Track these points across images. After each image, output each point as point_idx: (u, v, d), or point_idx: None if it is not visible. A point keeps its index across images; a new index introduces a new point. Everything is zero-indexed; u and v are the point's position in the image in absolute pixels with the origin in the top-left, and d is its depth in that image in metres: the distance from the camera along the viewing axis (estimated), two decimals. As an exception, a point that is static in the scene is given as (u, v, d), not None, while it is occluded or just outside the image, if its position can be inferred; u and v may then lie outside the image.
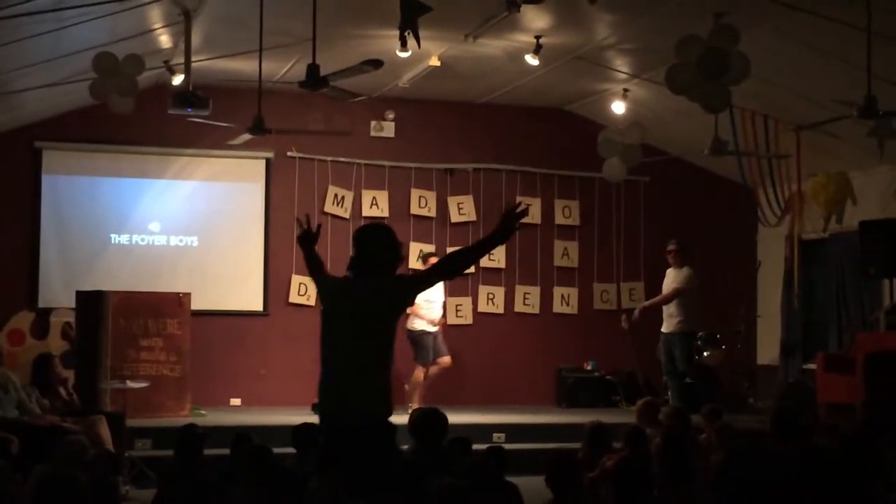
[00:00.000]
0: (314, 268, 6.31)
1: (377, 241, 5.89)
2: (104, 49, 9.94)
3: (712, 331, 13.93)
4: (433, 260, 12.52)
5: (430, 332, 12.89)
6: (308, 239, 6.41)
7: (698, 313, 12.91)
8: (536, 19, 10.83)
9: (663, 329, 12.88)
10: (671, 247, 13.09)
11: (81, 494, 5.05)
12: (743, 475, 5.06)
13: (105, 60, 9.77)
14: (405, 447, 7.29)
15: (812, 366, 13.38)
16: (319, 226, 6.53)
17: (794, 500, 5.41)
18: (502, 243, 5.88)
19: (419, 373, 12.89)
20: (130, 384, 10.61)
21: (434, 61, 12.14)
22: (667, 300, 12.79)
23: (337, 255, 14.16)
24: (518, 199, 13.07)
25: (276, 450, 7.53)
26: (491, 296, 14.70)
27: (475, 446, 7.83)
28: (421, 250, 13.86)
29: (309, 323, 13.95)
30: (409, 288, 6.00)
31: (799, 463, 5.60)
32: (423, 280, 6.03)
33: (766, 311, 15.10)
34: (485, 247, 5.87)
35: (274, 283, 14.13)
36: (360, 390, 5.66)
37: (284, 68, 12.46)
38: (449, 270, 6.10)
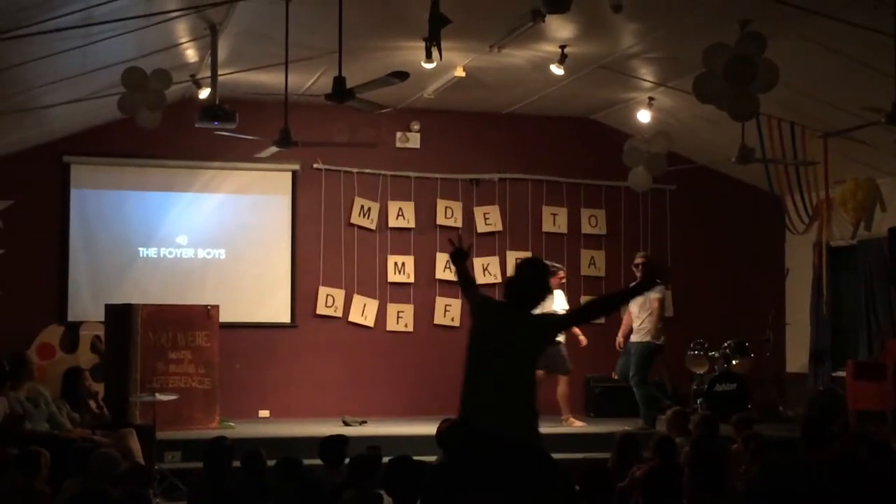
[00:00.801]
0: (467, 284, 6.63)
1: (536, 279, 6.32)
2: (131, 64, 10.00)
3: (741, 339, 13.89)
4: (561, 274, 12.76)
5: (560, 343, 12.78)
6: (461, 256, 6.65)
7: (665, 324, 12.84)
8: (561, 29, 10.83)
9: (633, 339, 12.72)
10: (639, 259, 12.96)
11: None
12: (773, 486, 5.02)
13: (134, 75, 9.83)
14: (436, 458, 7.31)
15: (842, 373, 13.31)
16: (471, 245, 6.84)
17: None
18: (643, 294, 6.84)
19: (563, 384, 12.89)
20: (160, 397, 10.65)
21: (459, 72, 12.15)
22: (659, 315, 12.63)
23: (364, 267, 14.31)
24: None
25: (304, 461, 7.56)
26: (518, 306, 14.66)
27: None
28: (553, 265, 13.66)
29: (337, 334, 14.08)
30: (554, 329, 6.58)
31: (830, 473, 5.57)
32: (565, 323, 6.93)
33: (794, 319, 15.03)
34: (625, 297, 6.52)
35: (301, 295, 14.16)
36: (504, 413, 5.96)
37: (310, 81, 12.50)
38: (587, 317, 6.81)
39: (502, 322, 6.18)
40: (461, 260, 6.65)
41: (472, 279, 6.66)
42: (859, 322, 13.92)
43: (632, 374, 12.62)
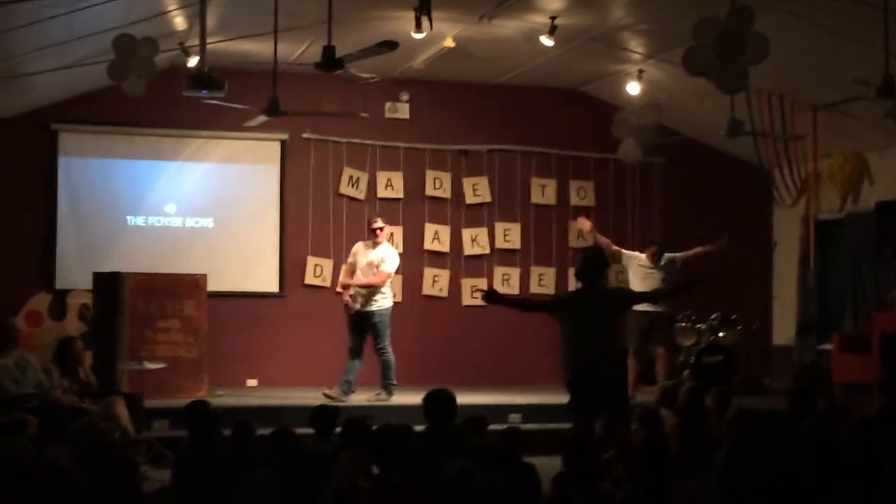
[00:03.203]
0: (531, 305, 10.05)
1: (598, 263, 8.67)
2: (119, 31, 9.95)
3: (728, 311, 13.93)
4: (653, 249, 12.83)
5: None
6: (493, 296, 8.84)
7: None
8: (551, 0, 10.81)
9: (376, 308, 12.26)
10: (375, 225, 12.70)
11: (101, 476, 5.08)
12: (754, 460, 5.05)
13: (125, 42, 9.78)
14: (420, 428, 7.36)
15: (828, 346, 13.37)
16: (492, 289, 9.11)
17: (808, 484, 5.41)
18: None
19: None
20: (148, 365, 10.66)
21: (449, 42, 12.11)
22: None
23: (352, 237, 14.28)
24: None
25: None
26: (506, 277, 14.71)
27: (492, 427, 7.86)
28: (652, 237, 13.30)
29: (324, 304, 14.07)
30: (625, 298, 9.53)
31: (814, 447, 5.61)
32: (636, 299, 9.95)
33: (781, 292, 15.09)
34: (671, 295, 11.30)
35: (290, 265, 14.16)
36: (607, 356, 8.35)
37: (299, 50, 12.46)
38: (652, 300, 10.80)
39: (590, 298, 8.47)
40: (495, 300, 8.82)
41: (526, 299, 9.83)
42: (846, 295, 13.98)
43: (380, 343, 12.26)
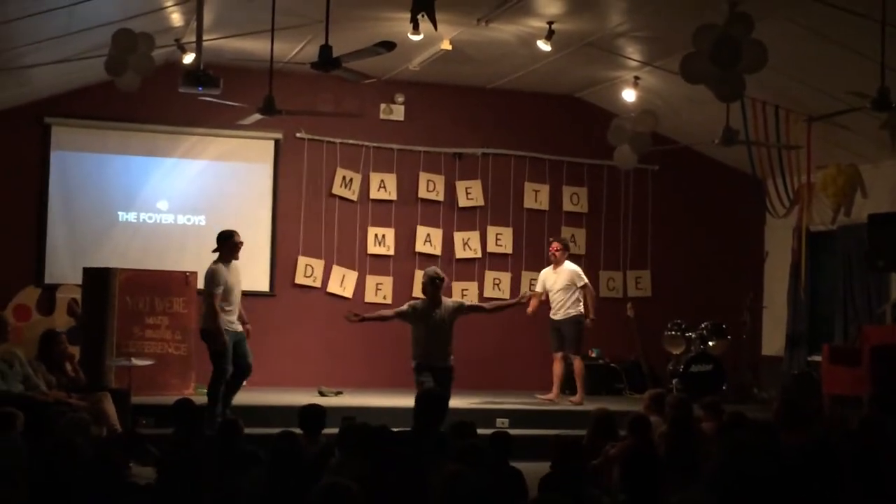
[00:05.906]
0: (386, 318, 11.24)
1: (439, 286, 10.70)
2: (116, 25, 9.90)
3: (718, 321, 13.93)
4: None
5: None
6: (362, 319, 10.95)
7: None
8: (549, 5, 10.81)
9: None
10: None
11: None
12: (745, 468, 5.03)
13: (124, 37, 9.74)
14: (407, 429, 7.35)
15: (817, 357, 13.36)
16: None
17: (797, 494, 5.39)
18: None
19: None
20: (136, 362, 10.61)
21: (445, 45, 12.09)
22: None
23: (344, 238, 14.27)
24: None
25: (279, 430, 7.55)
26: (497, 281, 14.69)
27: (479, 431, 7.84)
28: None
29: (314, 305, 14.05)
30: (458, 310, 10.92)
31: (804, 457, 5.59)
32: (467, 311, 11.10)
33: (772, 303, 15.09)
34: (498, 311, 11.84)
35: (281, 264, 14.12)
36: (445, 353, 10.64)
37: (296, 49, 12.43)
38: (480, 312, 11.53)
39: (432, 308, 10.68)
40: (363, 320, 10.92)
41: (382, 315, 11.46)
42: (836, 307, 13.97)
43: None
